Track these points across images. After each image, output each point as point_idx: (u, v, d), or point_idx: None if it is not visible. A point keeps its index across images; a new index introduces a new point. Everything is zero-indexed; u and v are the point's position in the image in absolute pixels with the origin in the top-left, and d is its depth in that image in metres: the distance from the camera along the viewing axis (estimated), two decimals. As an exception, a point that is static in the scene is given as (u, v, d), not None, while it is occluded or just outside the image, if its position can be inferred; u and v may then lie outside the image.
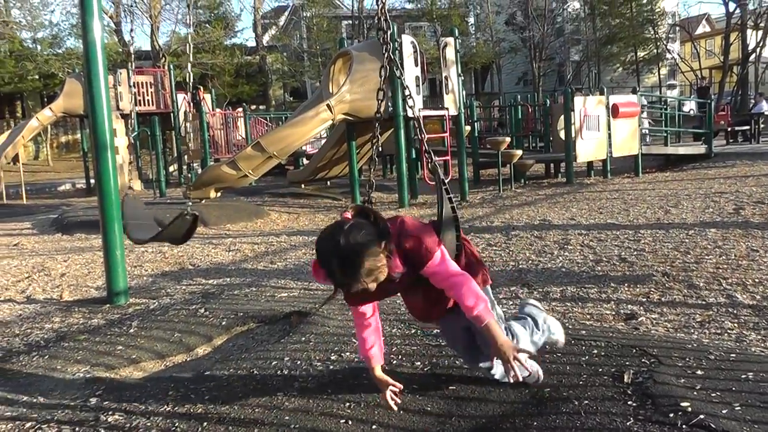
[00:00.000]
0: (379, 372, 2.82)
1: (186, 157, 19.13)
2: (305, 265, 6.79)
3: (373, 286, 2.44)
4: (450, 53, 12.10)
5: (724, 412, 2.52)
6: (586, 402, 2.73)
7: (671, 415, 2.52)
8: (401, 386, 2.79)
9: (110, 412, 3.06)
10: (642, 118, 18.13)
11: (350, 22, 32.66)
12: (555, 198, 10.94)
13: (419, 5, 34.01)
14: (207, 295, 5.56)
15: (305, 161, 17.12)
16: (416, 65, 11.58)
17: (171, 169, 21.93)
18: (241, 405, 3.07)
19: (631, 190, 11.20)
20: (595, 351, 3.31)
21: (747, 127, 21.11)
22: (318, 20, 34.31)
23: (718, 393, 2.72)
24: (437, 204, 2.86)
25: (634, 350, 3.29)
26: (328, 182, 15.89)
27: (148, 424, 2.93)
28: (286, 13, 37.54)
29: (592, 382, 2.95)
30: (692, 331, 3.94)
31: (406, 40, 11.51)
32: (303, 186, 15.36)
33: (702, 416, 2.48)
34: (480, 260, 2.91)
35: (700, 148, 16.81)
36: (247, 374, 3.45)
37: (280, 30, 37.18)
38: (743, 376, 2.90)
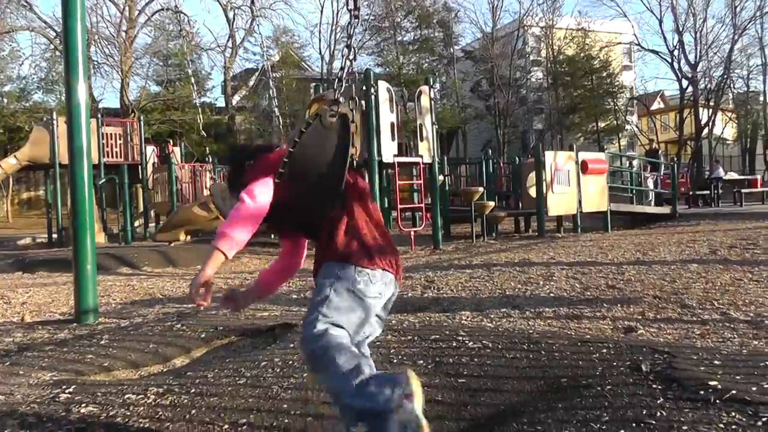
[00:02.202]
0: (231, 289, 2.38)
1: (152, 211, 18.79)
2: (284, 295, 6.57)
3: None
4: (425, 101, 12.19)
5: (753, 389, 2.41)
6: (609, 387, 2.60)
7: (701, 392, 2.40)
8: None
9: (83, 405, 2.80)
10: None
11: (319, 84, 33.17)
12: (530, 246, 10.92)
13: (387, 70, 34.70)
14: (182, 314, 5.29)
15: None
16: (391, 111, 11.63)
17: (136, 224, 21.42)
18: (231, 396, 2.85)
19: (604, 241, 11.26)
20: (605, 350, 3.17)
21: (707, 192, 21.80)
22: (287, 81, 34.73)
23: (742, 376, 2.61)
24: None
25: (644, 349, 3.16)
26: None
27: (128, 413, 2.69)
28: (256, 74, 37.95)
29: (609, 372, 2.81)
30: (695, 341, 3.85)
31: (382, 86, 11.57)
32: (273, 236, 15.13)
33: (734, 391, 2.37)
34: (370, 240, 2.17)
35: (665, 209, 17.12)
36: (233, 373, 3.21)
37: (249, 90, 37.47)
38: (762, 365, 2.80)
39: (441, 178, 14.27)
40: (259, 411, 2.67)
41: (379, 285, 2.12)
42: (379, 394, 1.86)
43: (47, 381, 3.25)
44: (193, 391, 2.94)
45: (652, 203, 18.04)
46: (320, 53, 36.05)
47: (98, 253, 6.90)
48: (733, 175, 24.65)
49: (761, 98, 38.48)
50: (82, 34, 5.19)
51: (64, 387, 3.08)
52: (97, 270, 5.61)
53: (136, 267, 9.92)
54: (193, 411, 2.69)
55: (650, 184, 18.77)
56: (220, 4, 33.94)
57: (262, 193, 2.06)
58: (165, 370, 3.78)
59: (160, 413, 2.68)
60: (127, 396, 2.90)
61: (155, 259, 10.38)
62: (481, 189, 14.08)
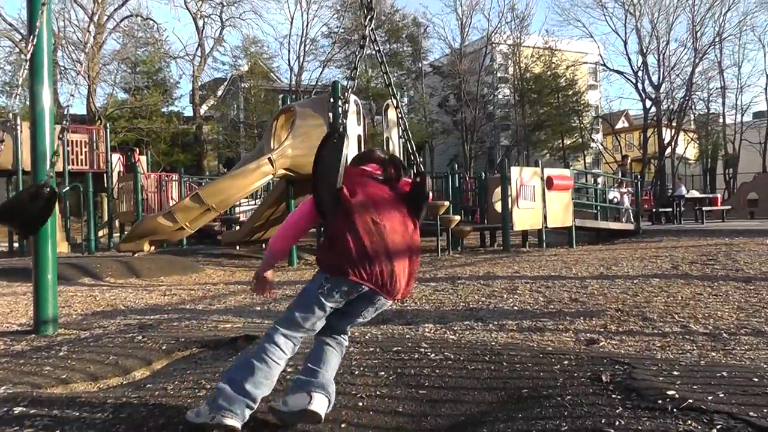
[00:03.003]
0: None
1: (117, 220, 18.52)
2: (247, 307, 6.51)
3: None
4: (392, 114, 12.24)
5: (709, 398, 2.44)
6: (569, 397, 2.61)
7: (659, 401, 2.43)
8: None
9: (38, 419, 2.72)
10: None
11: (287, 95, 33.20)
12: (495, 260, 10.99)
13: (356, 82, 34.80)
14: (144, 326, 5.21)
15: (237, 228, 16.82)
16: (358, 124, 11.65)
17: (100, 234, 21.05)
18: (190, 409, 2.80)
19: (568, 256, 11.37)
20: (566, 362, 3.19)
21: (669, 209, 22.14)
22: (256, 92, 34.58)
23: (699, 386, 2.66)
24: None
25: (605, 360, 3.19)
26: (264, 245, 15.57)
27: (84, 427, 2.62)
28: (225, 84, 37.71)
29: (570, 383, 2.83)
30: (655, 352, 3.90)
31: (350, 99, 11.57)
32: (238, 248, 15.00)
33: (690, 400, 2.39)
34: (351, 250, 2.36)
35: (629, 225, 17.36)
36: (193, 385, 3.17)
37: (218, 99, 37.22)
38: (718, 374, 2.86)
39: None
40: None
41: (339, 296, 2.41)
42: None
43: (1, 395, 3.15)
44: (151, 403, 2.88)
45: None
46: (289, 65, 36.00)
47: (60, 263, 6.77)
48: (695, 194, 25.05)
49: (721, 120, 39.39)
50: (48, 38, 5.11)
51: (18, 401, 2.98)
52: (59, 280, 5.50)
53: (98, 277, 9.74)
54: (151, 424, 2.63)
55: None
56: (189, 12, 33.71)
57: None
58: (125, 382, 3.71)
59: (117, 426, 2.62)
60: (84, 409, 2.83)
61: (118, 270, 10.21)
62: (447, 203, 14.13)
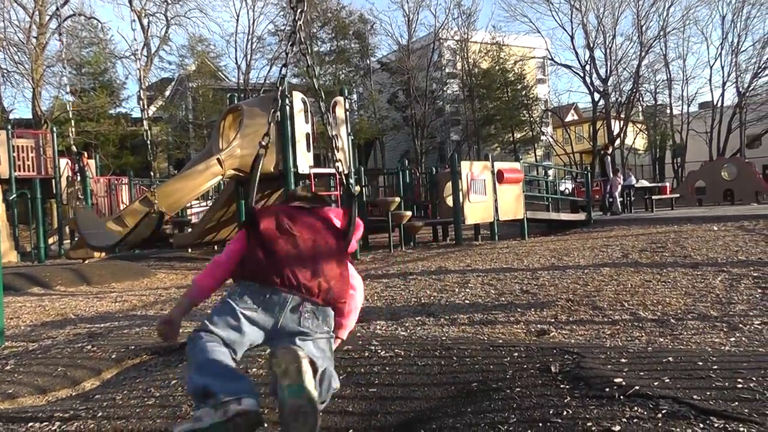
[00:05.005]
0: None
1: (67, 227, 18.04)
2: (198, 311, 6.37)
3: None
4: (340, 112, 12.17)
5: (655, 384, 2.47)
6: (518, 389, 2.62)
7: (607, 389, 2.45)
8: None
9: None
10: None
11: (234, 94, 32.84)
12: (447, 255, 11.02)
13: (303, 80, 34.52)
14: (94, 335, 5.09)
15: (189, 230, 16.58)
16: (306, 122, 11.55)
17: (51, 241, 20.48)
18: (139, 418, 2.75)
19: (520, 248, 11.47)
20: (516, 354, 3.20)
21: (621, 199, 22.54)
22: (204, 91, 34.06)
23: (645, 372, 2.69)
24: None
25: (555, 350, 3.20)
26: (216, 246, 15.36)
27: (30, 442, 2.54)
28: (172, 84, 37.04)
29: (519, 375, 2.84)
30: (605, 340, 3.93)
31: (297, 96, 11.48)
32: (190, 251, 14.77)
33: (637, 387, 2.41)
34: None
35: (580, 216, 17.62)
36: (143, 393, 3.11)
37: (165, 100, 36.54)
38: (664, 360, 2.90)
39: (358, 188, 14.26)
40: None
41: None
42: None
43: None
44: (100, 414, 2.82)
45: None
46: (236, 63, 35.62)
47: (7, 273, 6.55)
48: (645, 183, 25.58)
49: (668, 111, 40.28)
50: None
51: (-39, 418, 2.89)
52: (6, 290, 5.34)
53: (48, 286, 9.47)
54: (99, 435, 2.56)
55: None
56: (134, 11, 32.99)
57: None
58: (74, 394, 3.63)
59: (64, 441, 2.53)
60: (30, 424, 2.76)
61: (68, 278, 9.94)
62: (398, 199, 14.15)
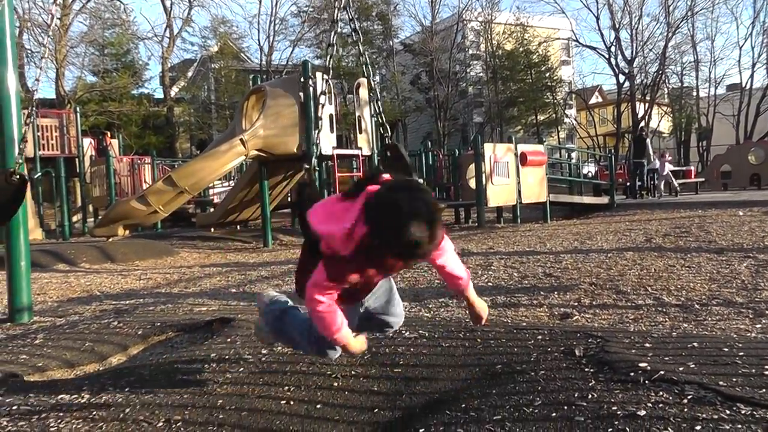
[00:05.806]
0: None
1: (90, 205, 18.30)
2: (222, 289, 6.46)
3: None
4: (363, 93, 12.17)
5: (680, 369, 2.47)
6: (543, 372, 2.63)
7: (632, 374, 2.45)
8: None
9: (14, 407, 2.70)
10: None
11: (257, 75, 32.88)
12: (469, 237, 11.02)
13: (326, 62, 34.50)
14: (120, 311, 5.16)
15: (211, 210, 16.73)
16: (330, 103, 11.56)
17: (75, 219, 20.79)
18: (166, 392, 2.79)
19: (543, 231, 11.45)
20: (540, 337, 3.21)
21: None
22: (226, 72, 34.16)
23: (670, 357, 2.69)
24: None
25: (579, 334, 3.21)
26: (238, 226, 15.49)
27: (60, 414, 2.60)
28: (195, 65, 37.16)
29: (543, 358, 2.85)
30: (629, 325, 3.93)
31: (320, 77, 11.49)
32: (212, 230, 14.90)
33: (662, 372, 2.41)
34: None
35: (603, 199, 17.51)
36: (170, 369, 3.15)
37: (188, 81, 36.70)
38: (689, 346, 2.89)
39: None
40: (194, 407, 2.62)
41: None
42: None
43: (-24, 383, 3.11)
44: (127, 389, 2.87)
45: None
46: (259, 44, 35.62)
47: (34, 250, 6.67)
48: (669, 167, 25.32)
49: (694, 93, 39.66)
50: (11, 20, 4.99)
51: (-6, 388, 2.95)
52: (33, 267, 5.44)
53: (73, 263, 9.64)
54: (128, 410, 2.62)
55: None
56: (157, -7, 33.08)
57: None
58: (101, 368, 3.68)
59: (94, 413, 2.60)
60: (60, 396, 2.81)
61: (93, 255, 10.11)
62: (420, 180, 14.13)
